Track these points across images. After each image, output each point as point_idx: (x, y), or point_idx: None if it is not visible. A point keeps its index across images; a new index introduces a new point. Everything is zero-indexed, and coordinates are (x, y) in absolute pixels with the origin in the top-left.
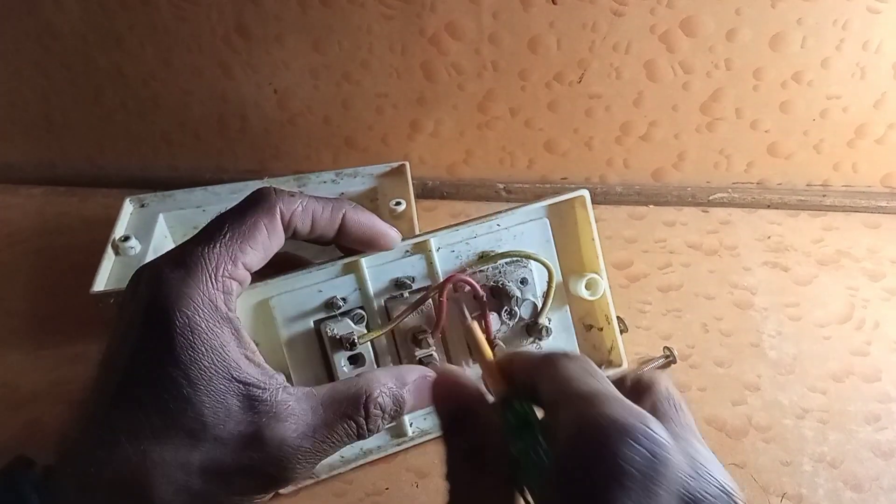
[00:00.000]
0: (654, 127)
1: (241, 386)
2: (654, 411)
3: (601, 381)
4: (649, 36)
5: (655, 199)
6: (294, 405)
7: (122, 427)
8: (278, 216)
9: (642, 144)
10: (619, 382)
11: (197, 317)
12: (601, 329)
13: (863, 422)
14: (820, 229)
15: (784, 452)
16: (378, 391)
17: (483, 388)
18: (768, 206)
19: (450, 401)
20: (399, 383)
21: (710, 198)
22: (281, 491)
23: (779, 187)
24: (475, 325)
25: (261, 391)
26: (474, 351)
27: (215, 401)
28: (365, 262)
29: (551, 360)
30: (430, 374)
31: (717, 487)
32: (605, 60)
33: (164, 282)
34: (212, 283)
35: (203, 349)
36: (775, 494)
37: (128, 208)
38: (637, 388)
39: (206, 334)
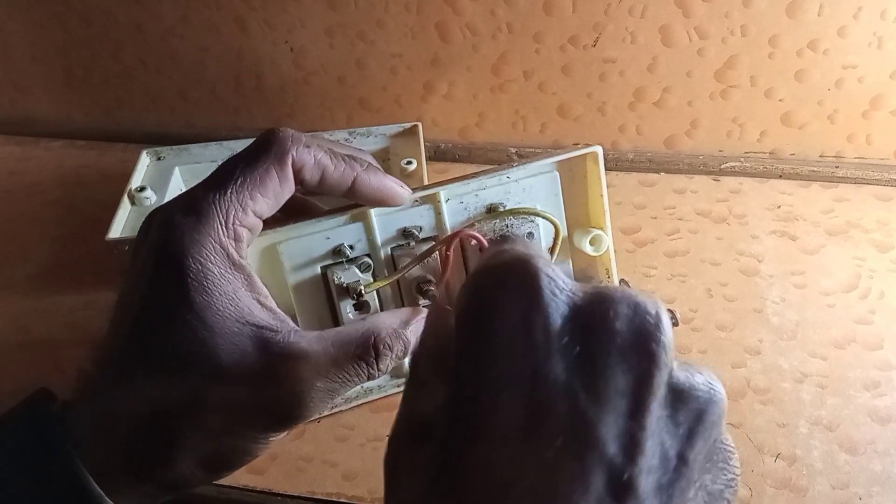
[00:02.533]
0: (667, 93)
1: (254, 329)
2: None
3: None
4: (665, 0)
5: (667, 166)
6: (306, 346)
7: (138, 367)
8: (289, 165)
9: (655, 111)
10: None
11: (209, 263)
12: (600, 283)
13: (861, 388)
14: (831, 200)
15: (781, 414)
16: (385, 332)
17: None
18: (780, 177)
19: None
20: (403, 325)
21: (722, 166)
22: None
23: (791, 158)
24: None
25: (273, 333)
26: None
27: (230, 343)
28: (373, 211)
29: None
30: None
31: (629, 311)
32: (620, 24)
33: (177, 228)
34: (223, 230)
35: (216, 294)
36: (769, 454)
37: (144, 160)
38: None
39: (219, 280)
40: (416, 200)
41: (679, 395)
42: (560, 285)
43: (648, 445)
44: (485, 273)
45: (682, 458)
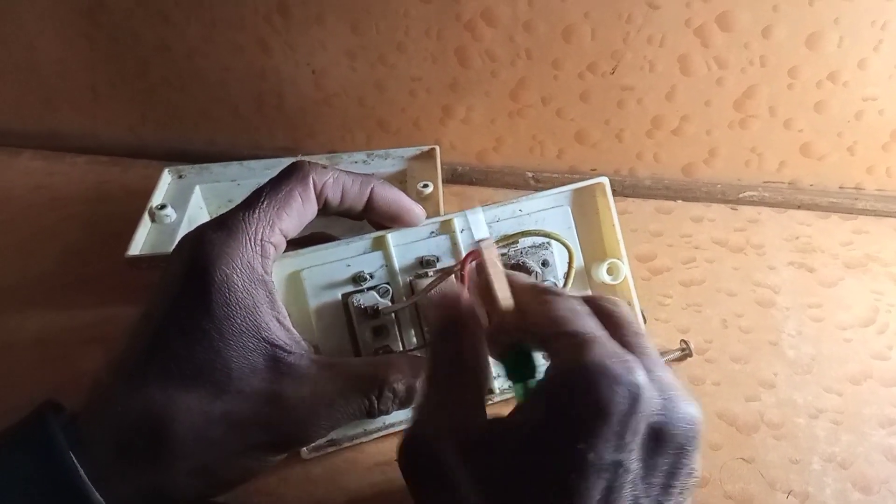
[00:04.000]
0: (685, 122)
1: (268, 346)
2: (624, 343)
3: (589, 320)
4: (684, 29)
5: (684, 194)
6: (315, 372)
7: (153, 373)
8: (311, 186)
9: (673, 139)
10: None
11: (235, 276)
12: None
13: (877, 425)
14: (850, 232)
15: (794, 450)
16: (394, 377)
17: (475, 307)
18: (799, 207)
19: (445, 312)
20: (415, 373)
21: (740, 195)
22: (305, 457)
23: (810, 188)
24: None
25: (286, 354)
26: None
27: (242, 357)
28: (391, 239)
29: (541, 298)
30: None
31: (682, 418)
32: (638, 53)
33: (206, 241)
34: (251, 245)
35: (237, 307)
36: (781, 491)
37: (166, 178)
38: (599, 315)
39: (242, 293)
40: (433, 231)
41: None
42: (650, 397)
43: None
44: (595, 368)
45: None
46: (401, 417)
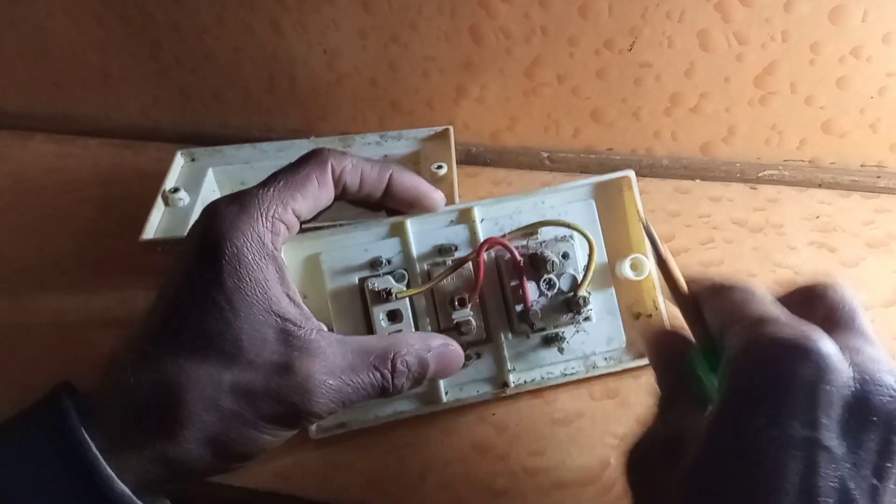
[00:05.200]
0: (704, 99)
1: (278, 319)
2: (828, 321)
3: (766, 304)
4: (704, 4)
5: (703, 173)
6: (325, 346)
7: (165, 344)
8: (329, 170)
9: (692, 117)
10: (787, 298)
11: (245, 248)
12: (650, 316)
13: None
14: (872, 211)
15: None
16: (406, 349)
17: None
18: (819, 186)
19: (667, 346)
20: (425, 347)
21: (760, 174)
22: (314, 437)
23: (831, 166)
24: (670, 258)
25: (296, 328)
26: (668, 285)
27: (253, 328)
28: (410, 225)
29: (718, 292)
30: (452, 343)
31: (883, 389)
32: (657, 28)
33: (219, 214)
34: (262, 220)
35: (248, 279)
36: None
37: (178, 161)
38: (809, 299)
39: (252, 266)
40: (452, 220)
41: None
42: (838, 367)
43: (888, 499)
44: (770, 341)
45: None
46: (412, 406)
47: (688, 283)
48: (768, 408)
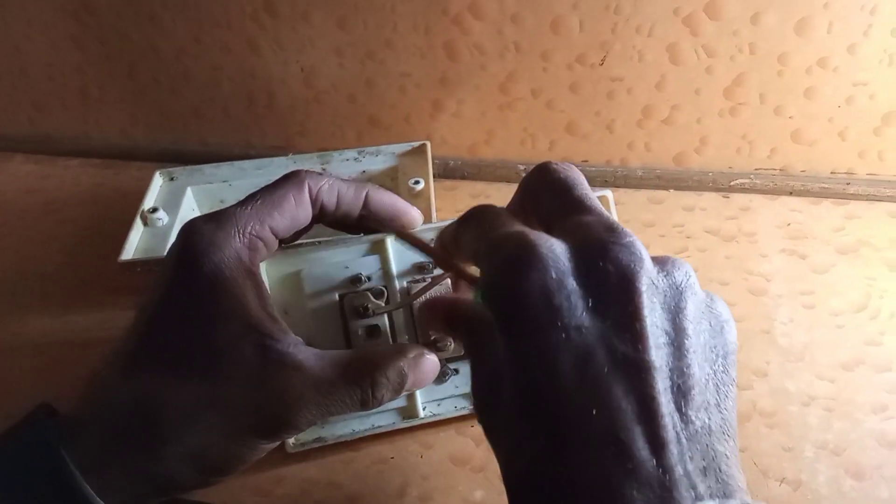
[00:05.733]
0: (676, 111)
1: (256, 335)
2: (545, 212)
3: (493, 226)
4: (673, 18)
5: (676, 183)
6: (302, 359)
7: (144, 361)
8: (306, 189)
9: (664, 128)
10: (519, 198)
11: (223, 265)
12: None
13: (870, 411)
14: (842, 218)
15: (787, 438)
16: (383, 361)
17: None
18: (790, 194)
19: (436, 319)
20: (402, 358)
21: (732, 183)
22: (291, 451)
23: (802, 174)
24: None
25: (274, 342)
26: (423, 251)
27: (231, 344)
28: (390, 243)
29: (456, 238)
30: (427, 353)
31: (607, 253)
32: (627, 43)
33: (197, 232)
34: (240, 237)
35: (226, 295)
36: (774, 479)
37: (157, 181)
38: (530, 194)
39: (230, 282)
40: (431, 238)
41: (663, 291)
42: (554, 254)
43: (652, 336)
44: (501, 265)
45: (681, 334)
46: (389, 421)
47: (434, 240)
48: (523, 323)
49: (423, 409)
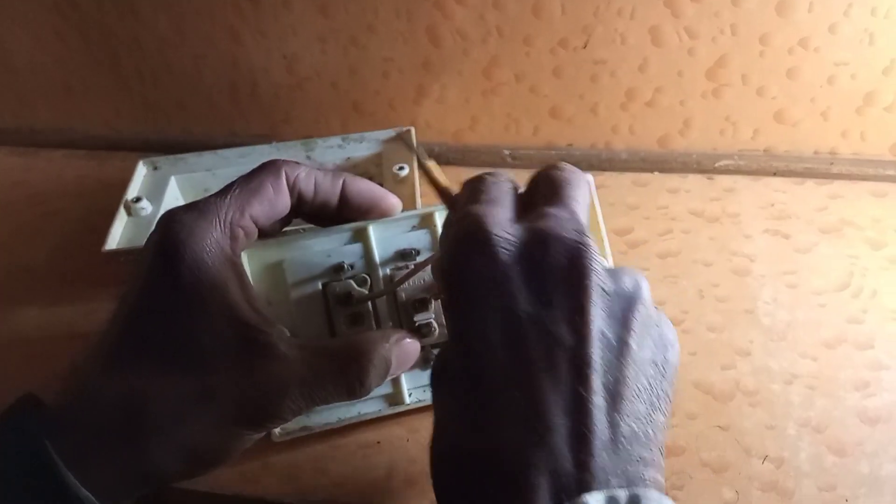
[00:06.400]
0: (659, 93)
1: (237, 324)
2: (539, 198)
3: (479, 195)
4: (654, 1)
5: (660, 165)
6: (285, 349)
7: (126, 353)
8: (283, 177)
9: (648, 111)
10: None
11: (204, 254)
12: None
13: (852, 388)
14: (825, 197)
15: (769, 416)
16: (368, 349)
17: None
18: (774, 174)
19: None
20: (387, 345)
21: (716, 165)
22: (276, 440)
23: (785, 154)
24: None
25: (257, 333)
26: (436, 191)
27: (213, 333)
28: (372, 231)
29: (464, 184)
30: (408, 336)
31: (558, 244)
32: (609, 26)
33: (177, 221)
34: (220, 226)
35: (206, 284)
36: (757, 457)
37: (141, 171)
38: (537, 181)
39: (212, 272)
40: (415, 225)
41: (611, 295)
42: (507, 238)
43: (594, 332)
44: (452, 241)
45: (622, 341)
46: (375, 408)
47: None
48: (461, 300)
49: (409, 395)
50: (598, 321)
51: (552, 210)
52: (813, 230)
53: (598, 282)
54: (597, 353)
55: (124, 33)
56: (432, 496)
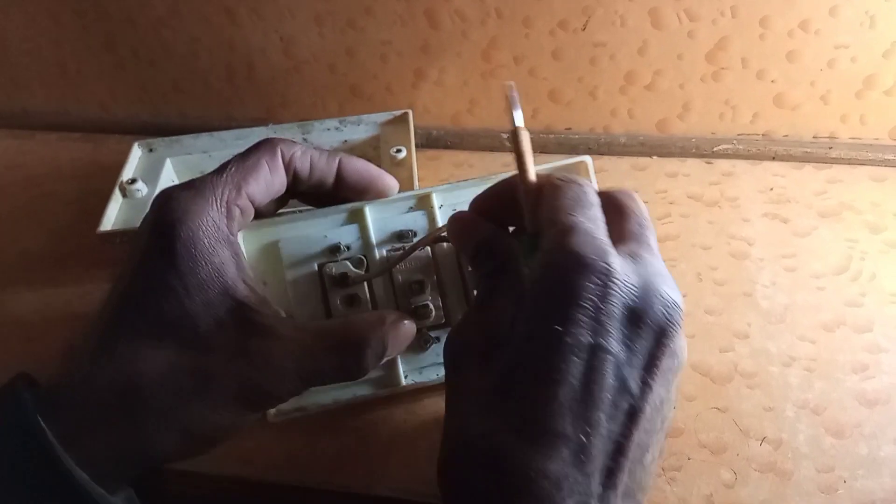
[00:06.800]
0: (658, 76)
1: (234, 303)
2: (624, 231)
3: (587, 210)
4: None
5: (659, 149)
6: (280, 329)
7: (122, 331)
8: (279, 156)
9: (647, 94)
10: (603, 200)
11: (200, 232)
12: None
13: (850, 371)
14: (824, 182)
15: (768, 398)
16: (364, 329)
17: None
18: (773, 158)
19: (470, 237)
20: (383, 325)
21: (715, 149)
22: (272, 420)
23: (785, 139)
24: (524, 135)
25: (252, 312)
26: (518, 168)
27: (209, 312)
28: (369, 212)
29: (554, 187)
30: (403, 317)
31: (658, 301)
32: (609, 8)
33: (173, 199)
34: (217, 205)
35: (203, 262)
36: (755, 438)
37: (136, 152)
38: (610, 207)
39: (208, 250)
40: (412, 206)
41: (678, 360)
42: (625, 281)
43: (656, 390)
44: (571, 256)
45: (664, 401)
46: (371, 390)
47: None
48: (563, 318)
49: (405, 377)
50: (661, 380)
51: (653, 260)
52: (812, 214)
53: (676, 347)
54: (649, 409)
55: (119, 14)
56: (427, 477)
